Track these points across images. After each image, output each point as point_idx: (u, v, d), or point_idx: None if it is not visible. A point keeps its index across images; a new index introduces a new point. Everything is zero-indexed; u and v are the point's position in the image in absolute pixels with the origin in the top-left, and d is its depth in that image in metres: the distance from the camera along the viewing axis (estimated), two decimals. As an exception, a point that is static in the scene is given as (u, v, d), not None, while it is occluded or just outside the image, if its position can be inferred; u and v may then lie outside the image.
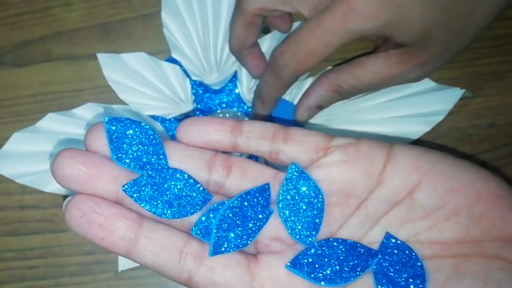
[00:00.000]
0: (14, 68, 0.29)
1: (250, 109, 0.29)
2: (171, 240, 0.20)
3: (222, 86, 0.29)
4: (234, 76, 0.29)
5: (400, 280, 0.20)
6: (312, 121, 0.27)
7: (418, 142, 0.27)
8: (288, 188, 0.20)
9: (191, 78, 0.29)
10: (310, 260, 0.20)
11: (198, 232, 0.20)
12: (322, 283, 0.20)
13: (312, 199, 0.20)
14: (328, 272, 0.20)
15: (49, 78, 0.29)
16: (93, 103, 0.28)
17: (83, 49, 0.29)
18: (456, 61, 0.29)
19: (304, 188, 0.20)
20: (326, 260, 0.20)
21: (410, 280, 0.20)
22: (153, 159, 0.20)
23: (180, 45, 0.28)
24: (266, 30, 0.29)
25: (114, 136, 0.20)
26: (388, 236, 0.20)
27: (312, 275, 0.20)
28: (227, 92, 0.29)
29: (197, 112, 0.29)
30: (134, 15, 0.29)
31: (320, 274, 0.20)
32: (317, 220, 0.20)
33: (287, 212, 0.20)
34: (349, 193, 0.20)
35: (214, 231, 0.20)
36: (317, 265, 0.20)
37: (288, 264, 0.20)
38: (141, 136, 0.20)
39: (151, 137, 0.20)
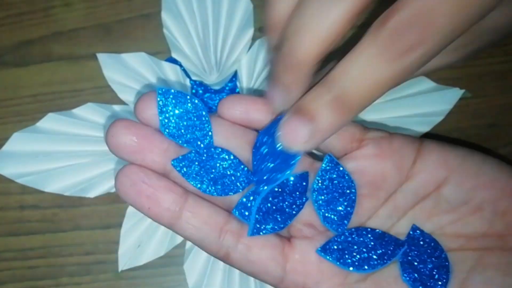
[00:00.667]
0: (14, 68, 0.29)
1: (250, 109, 0.29)
2: (213, 217, 0.21)
3: (222, 86, 0.29)
4: (234, 76, 0.29)
5: (425, 270, 0.20)
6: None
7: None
8: (323, 178, 0.21)
9: (191, 78, 0.29)
10: (340, 246, 0.21)
11: (239, 212, 0.21)
12: (351, 268, 0.21)
13: (345, 190, 0.21)
14: (357, 258, 0.21)
15: (49, 78, 0.29)
16: (93, 103, 0.28)
17: (83, 49, 0.29)
18: (456, 61, 0.29)
19: (338, 180, 0.21)
20: (355, 247, 0.21)
21: (435, 270, 0.20)
22: (200, 135, 0.21)
23: (180, 45, 0.28)
24: (266, 30, 0.29)
25: (164, 109, 0.20)
26: (414, 227, 0.21)
27: (341, 260, 0.21)
28: (227, 92, 0.29)
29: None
30: (134, 15, 0.29)
31: (349, 260, 0.21)
32: (348, 209, 0.21)
33: (321, 201, 0.21)
34: (380, 185, 0.21)
35: (254, 213, 0.21)
36: (346, 252, 0.21)
37: (319, 249, 0.21)
38: (191, 111, 0.21)
39: (200, 112, 0.21)
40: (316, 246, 0.21)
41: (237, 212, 0.21)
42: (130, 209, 0.27)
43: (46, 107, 0.29)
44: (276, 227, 0.21)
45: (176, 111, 0.20)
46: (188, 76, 0.29)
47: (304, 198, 0.21)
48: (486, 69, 0.29)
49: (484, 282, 0.20)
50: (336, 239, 0.21)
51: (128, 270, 0.27)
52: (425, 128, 0.27)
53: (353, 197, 0.21)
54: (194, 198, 0.21)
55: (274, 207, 0.21)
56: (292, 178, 0.21)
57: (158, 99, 0.20)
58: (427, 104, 0.27)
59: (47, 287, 0.28)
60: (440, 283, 0.20)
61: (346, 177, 0.21)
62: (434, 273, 0.20)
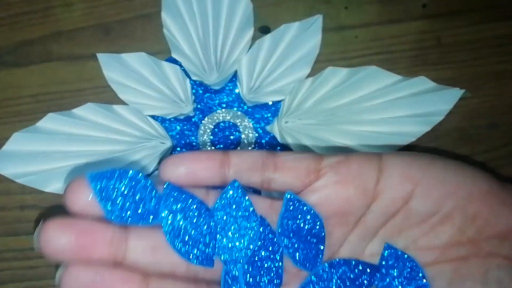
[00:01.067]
0: (14, 68, 0.29)
1: (250, 109, 0.29)
2: None
3: (222, 86, 0.29)
4: (234, 76, 0.29)
5: None
6: (311, 121, 0.27)
7: (417, 142, 0.27)
8: (287, 219, 0.20)
9: (191, 78, 0.29)
10: (316, 286, 0.20)
11: None
12: None
13: (312, 227, 0.20)
14: None
15: (49, 78, 0.29)
16: (93, 103, 0.28)
17: (83, 49, 0.29)
18: (456, 61, 0.29)
19: (302, 217, 0.20)
20: (331, 283, 0.20)
21: None
22: (151, 207, 0.19)
23: (180, 45, 0.28)
24: (266, 30, 0.29)
25: (103, 194, 0.18)
26: (387, 246, 0.20)
27: None
28: (227, 92, 0.29)
29: (197, 112, 0.29)
30: (134, 15, 0.29)
31: None
32: (319, 247, 0.20)
33: (289, 243, 0.20)
34: (347, 212, 0.21)
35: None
36: None
37: None
38: (132, 185, 0.19)
39: (142, 182, 0.19)
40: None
41: None
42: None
43: (46, 107, 0.29)
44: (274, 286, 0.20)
45: (117, 193, 0.18)
46: (188, 76, 0.29)
47: (277, 245, 0.20)
48: (486, 69, 0.29)
49: None
50: (309, 280, 0.20)
51: (128, 270, 0.27)
52: (425, 128, 0.27)
53: (322, 232, 0.20)
54: (156, 281, 0.19)
55: (259, 271, 0.20)
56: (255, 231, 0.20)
57: (93, 187, 0.18)
58: (427, 104, 0.27)
59: (47, 287, 0.28)
60: None
61: (311, 213, 0.20)
62: None
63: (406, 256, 0.20)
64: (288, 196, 0.20)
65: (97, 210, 0.19)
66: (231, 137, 0.29)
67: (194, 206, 0.19)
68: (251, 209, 0.20)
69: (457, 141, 0.28)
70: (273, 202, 0.21)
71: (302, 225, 0.20)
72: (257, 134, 0.29)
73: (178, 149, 0.29)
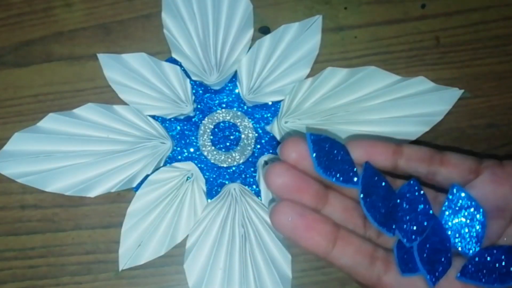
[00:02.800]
0: (15, 68, 0.29)
1: (250, 109, 0.29)
2: (363, 245, 0.22)
3: (222, 86, 0.29)
4: (234, 76, 0.29)
5: None
6: (311, 121, 0.27)
7: (416, 142, 0.27)
8: (451, 207, 0.23)
9: (191, 79, 0.29)
10: (475, 268, 0.22)
11: (403, 269, 0.22)
12: (495, 285, 0.22)
13: (474, 215, 0.23)
14: (493, 276, 0.22)
15: (49, 78, 0.29)
16: (94, 104, 0.28)
17: (83, 50, 0.29)
18: (455, 61, 0.29)
19: (466, 206, 0.23)
20: (490, 265, 0.22)
21: None
22: (347, 167, 0.22)
23: (180, 46, 0.29)
24: (265, 31, 0.29)
25: (317, 151, 0.22)
26: None
27: (484, 280, 0.22)
28: (227, 92, 0.29)
29: (197, 112, 0.29)
30: (134, 15, 0.29)
31: (491, 278, 0.22)
32: (479, 234, 0.23)
33: (453, 228, 0.23)
34: (504, 208, 0.23)
35: (422, 267, 0.22)
36: (484, 271, 0.22)
37: (459, 274, 0.22)
38: (334, 148, 0.23)
39: (340, 148, 0.23)
40: (452, 270, 0.22)
41: (403, 273, 0.22)
42: (130, 209, 0.27)
43: (46, 107, 0.29)
44: (446, 265, 0.22)
45: (327, 153, 0.22)
46: (188, 76, 0.29)
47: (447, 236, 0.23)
48: (485, 69, 0.29)
49: None
50: (471, 261, 0.22)
51: (129, 269, 0.28)
52: (424, 128, 0.27)
53: (483, 221, 0.22)
54: (345, 229, 0.22)
55: (432, 250, 0.22)
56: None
57: (311, 145, 0.22)
58: (426, 104, 0.27)
59: (47, 286, 0.28)
60: None
61: (474, 204, 0.23)
62: None
63: None
64: (455, 187, 0.23)
65: (305, 164, 0.22)
66: (231, 137, 0.29)
67: (384, 185, 0.23)
68: (422, 205, 0.23)
69: (456, 141, 0.28)
70: (437, 195, 0.24)
71: (465, 213, 0.23)
72: (256, 134, 0.29)
73: (178, 148, 0.29)
